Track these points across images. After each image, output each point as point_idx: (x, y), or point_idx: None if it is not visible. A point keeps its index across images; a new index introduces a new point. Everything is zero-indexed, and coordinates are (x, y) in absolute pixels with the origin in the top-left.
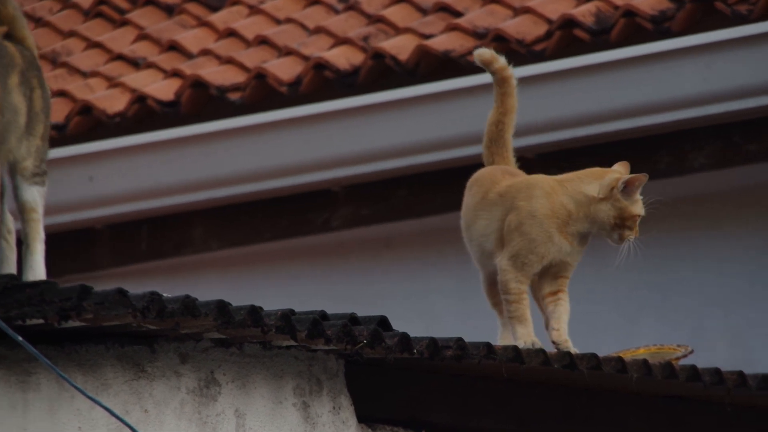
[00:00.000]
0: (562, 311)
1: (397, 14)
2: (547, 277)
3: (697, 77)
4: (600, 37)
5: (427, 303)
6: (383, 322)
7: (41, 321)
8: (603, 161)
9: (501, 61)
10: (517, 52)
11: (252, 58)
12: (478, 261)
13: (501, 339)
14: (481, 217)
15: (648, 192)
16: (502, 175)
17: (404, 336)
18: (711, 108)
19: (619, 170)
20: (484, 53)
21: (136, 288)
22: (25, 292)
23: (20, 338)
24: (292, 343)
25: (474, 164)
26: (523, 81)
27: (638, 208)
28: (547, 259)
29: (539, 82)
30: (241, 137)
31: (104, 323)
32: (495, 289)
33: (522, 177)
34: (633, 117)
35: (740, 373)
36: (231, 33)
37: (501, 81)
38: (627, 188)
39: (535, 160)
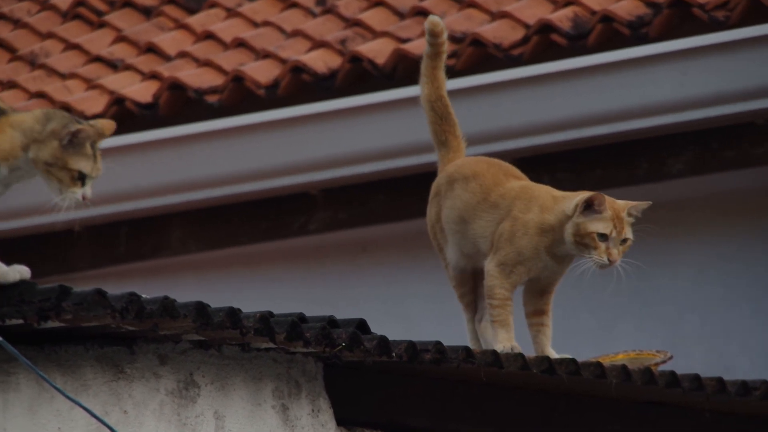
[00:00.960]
0: (545, 340)
1: (374, 18)
2: (534, 291)
3: (674, 83)
4: (577, 42)
5: (405, 307)
6: (362, 325)
7: (21, 321)
8: (581, 166)
9: (445, 35)
10: (494, 56)
11: (230, 60)
12: (466, 256)
13: (471, 333)
14: (481, 217)
15: (625, 197)
16: (504, 175)
17: (383, 339)
18: (688, 114)
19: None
20: (438, 23)
21: (114, 290)
22: (4, 292)
23: (0, 338)
24: (271, 345)
25: None
26: (500, 86)
27: (596, 226)
28: (534, 273)
29: (516, 86)
30: (219, 140)
31: (83, 324)
32: (467, 280)
33: (525, 182)
34: (610, 122)
35: (719, 380)
36: (209, 35)
37: (437, 55)
38: (587, 206)
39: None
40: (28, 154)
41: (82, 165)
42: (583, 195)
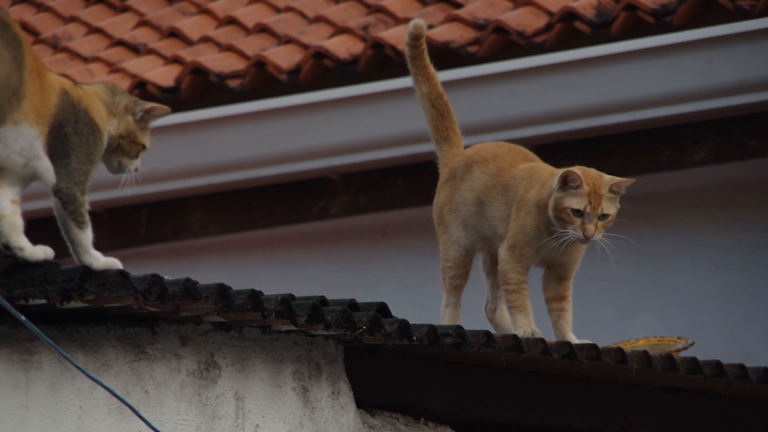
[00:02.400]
0: (565, 325)
1: (397, 4)
2: (552, 277)
3: (697, 72)
4: (600, 30)
5: (424, 291)
6: (383, 309)
7: (44, 301)
8: (602, 154)
9: (424, 37)
10: (517, 44)
11: (252, 45)
12: (483, 239)
13: (443, 316)
14: (496, 200)
15: (648, 185)
16: (523, 159)
17: (404, 323)
18: (711, 103)
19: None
20: (423, 26)
21: (134, 271)
22: (28, 273)
23: (23, 317)
24: (292, 327)
25: None
26: (523, 73)
27: (570, 201)
28: (543, 254)
29: (539, 74)
30: (240, 124)
31: (106, 305)
32: (466, 264)
33: (533, 163)
34: (633, 110)
35: (741, 366)
36: (231, 20)
37: (420, 54)
38: (564, 182)
39: (534, 152)
40: (109, 128)
41: (146, 139)
42: (568, 168)
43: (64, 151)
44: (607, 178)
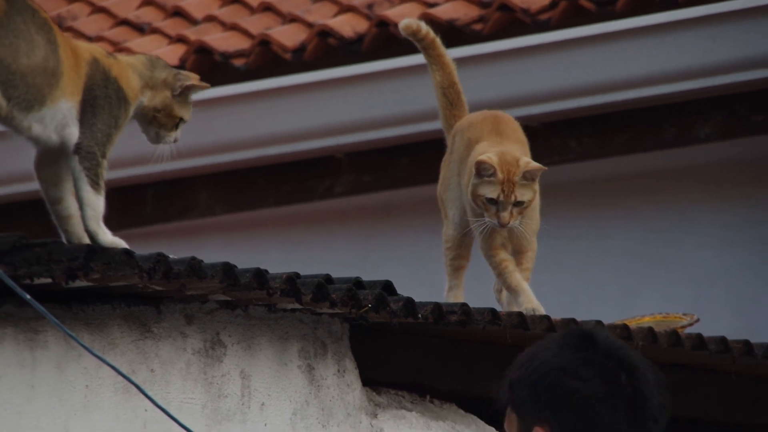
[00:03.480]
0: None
1: None
2: (513, 253)
3: (703, 48)
4: (605, 7)
5: (429, 270)
6: (388, 287)
7: (49, 280)
8: (608, 131)
9: (423, 26)
10: (522, 21)
11: (256, 24)
12: (465, 217)
13: (447, 300)
14: (465, 172)
15: (652, 162)
16: (492, 131)
17: (409, 301)
18: (716, 79)
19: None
20: (411, 24)
21: (141, 251)
22: (33, 251)
23: (28, 296)
24: (297, 306)
25: None
26: (528, 50)
27: (484, 189)
28: (495, 232)
29: (544, 51)
30: (245, 103)
31: (111, 283)
32: (461, 244)
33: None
34: (638, 87)
35: (746, 342)
36: None
37: (430, 44)
38: (478, 170)
39: (539, 130)
40: (140, 99)
41: (184, 113)
42: (480, 157)
43: (92, 112)
44: (522, 164)
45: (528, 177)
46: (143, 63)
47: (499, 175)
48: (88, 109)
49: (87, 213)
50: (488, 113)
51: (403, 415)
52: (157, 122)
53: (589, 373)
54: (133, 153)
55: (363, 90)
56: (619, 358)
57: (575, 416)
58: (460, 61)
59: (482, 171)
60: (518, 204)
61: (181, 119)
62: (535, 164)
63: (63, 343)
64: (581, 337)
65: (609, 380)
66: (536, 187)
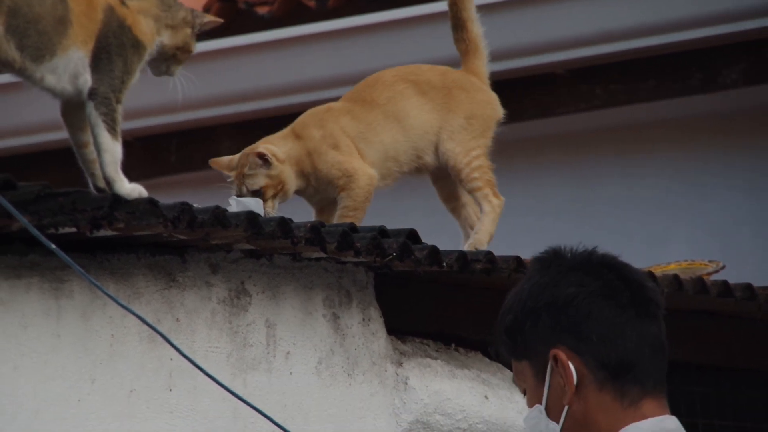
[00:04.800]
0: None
1: None
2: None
3: None
4: None
5: (453, 219)
6: (412, 235)
7: (74, 229)
8: (634, 78)
9: None
10: None
11: None
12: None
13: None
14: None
15: (679, 108)
16: (370, 86)
17: (433, 249)
18: (743, 24)
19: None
20: None
21: (165, 200)
22: (57, 201)
23: (53, 246)
24: (322, 255)
25: (514, 78)
26: None
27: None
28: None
29: None
30: (269, 52)
31: (135, 233)
32: (444, 190)
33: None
34: (664, 33)
35: None
36: None
37: None
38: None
39: (565, 77)
40: (159, 40)
41: (194, 48)
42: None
43: (107, 59)
44: (245, 151)
45: (253, 166)
46: (156, 5)
47: (232, 174)
48: (103, 56)
49: (105, 158)
50: (400, 68)
51: (428, 363)
52: (176, 59)
53: (577, 277)
54: (157, 103)
55: (387, 38)
56: (595, 259)
57: (583, 321)
58: (485, 8)
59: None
60: (256, 193)
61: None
62: (249, 149)
63: (88, 293)
64: (552, 254)
65: (598, 277)
66: (272, 171)
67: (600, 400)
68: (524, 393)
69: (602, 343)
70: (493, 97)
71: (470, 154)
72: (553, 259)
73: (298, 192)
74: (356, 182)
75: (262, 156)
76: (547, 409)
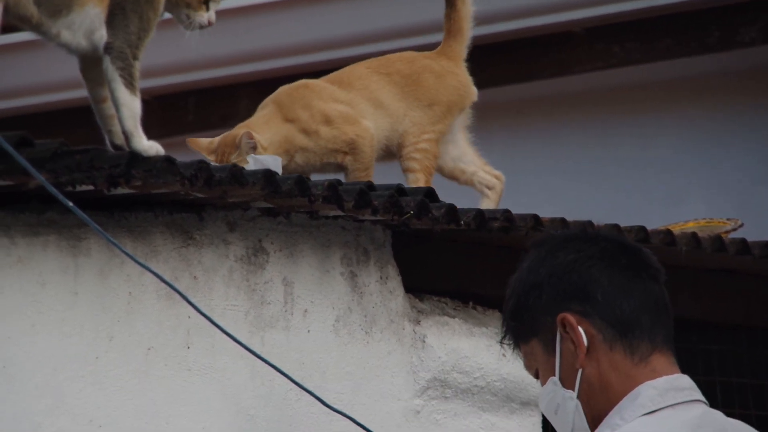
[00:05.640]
0: None
1: None
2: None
3: None
4: None
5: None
6: (430, 194)
7: (91, 187)
8: (651, 36)
9: None
10: None
11: None
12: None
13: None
14: None
15: (696, 66)
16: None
17: (451, 207)
18: None
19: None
20: None
21: (183, 158)
22: (74, 158)
23: (71, 204)
24: (339, 213)
25: (531, 36)
26: None
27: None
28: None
29: None
30: (289, 9)
31: (153, 191)
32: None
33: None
34: None
35: None
36: None
37: None
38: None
39: (582, 35)
40: None
41: None
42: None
43: (122, 14)
44: (236, 139)
45: (246, 149)
46: None
47: (212, 158)
48: (118, 12)
49: (123, 113)
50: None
51: (445, 321)
52: (192, 6)
53: (575, 245)
54: (174, 60)
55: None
56: (590, 230)
57: (586, 284)
58: None
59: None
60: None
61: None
62: (230, 134)
63: (106, 251)
64: (545, 236)
65: (595, 243)
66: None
67: (611, 359)
68: (536, 375)
69: (607, 303)
70: (464, 81)
71: (421, 137)
72: (547, 238)
73: None
74: (359, 146)
75: (251, 138)
76: (561, 380)
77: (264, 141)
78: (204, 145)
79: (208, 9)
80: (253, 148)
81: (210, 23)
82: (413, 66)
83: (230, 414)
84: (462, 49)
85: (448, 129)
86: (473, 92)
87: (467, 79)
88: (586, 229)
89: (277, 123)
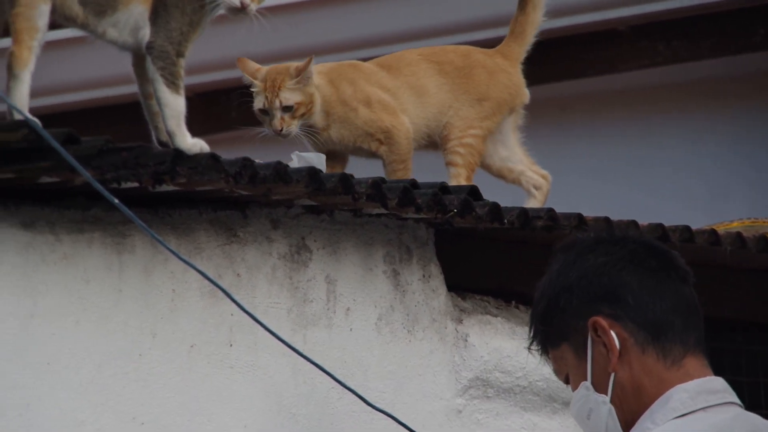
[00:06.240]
0: None
1: None
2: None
3: None
4: None
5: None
6: (474, 192)
7: (136, 184)
8: (696, 34)
9: None
10: None
11: None
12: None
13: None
14: None
15: (742, 64)
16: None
17: (495, 205)
18: None
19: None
20: None
21: (226, 155)
22: (120, 155)
23: (116, 200)
24: (383, 211)
25: (577, 34)
26: None
27: (255, 103)
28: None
29: None
30: (330, 7)
31: (197, 188)
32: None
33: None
34: None
35: None
36: None
37: None
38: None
39: (627, 33)
40: None
41: None
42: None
43: (165, 11)
44: (291, 68)
45: (298, 77)
46: None
47: (259, 84)
48: (161, 9)
49: (165, 112)
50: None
51: (488, 320)
52: None
53: (604, 248)
54: (217, 57)
55: None
56: (618, 233)
57: (617, 287)
58: None
59: (245, 81)
60: (287, 109)
61: None
62: (300, 64)
63: (150, 248)
64: (573, 239)
65: (623, 246)
66: (310, 89)
67: (643, 362)
68: (566, 381)
69: (639, 305)
70: (517, 81)
71: (467, 131)
72: (576, 242)
73: (310, 128)
74: (395, 137)
75: (305, 69)
76: (593, 384)
77: (317, 78)
78: (251, 70)
79: None
80: (306, 81)
81: (243, 5)
82: (467, 59)
83: (272, 412)
84: (521, 51)
85: (497, 127)
86: (525, 93)
87: (520, 80)
88: (612, 231)
89: (323, 84)
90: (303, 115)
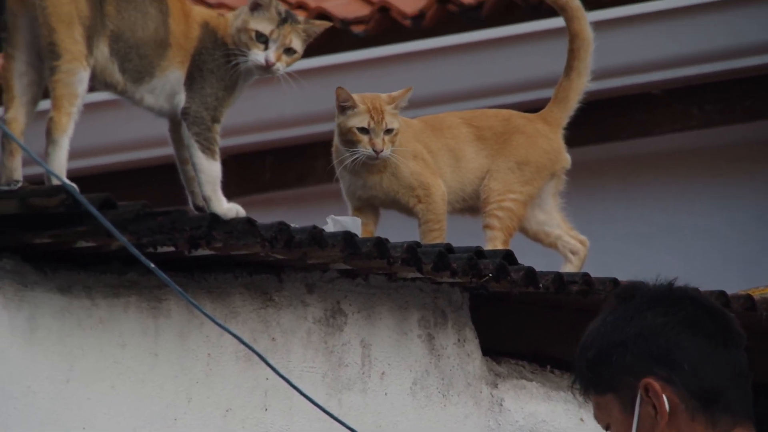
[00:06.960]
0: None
1: None
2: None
3: None
4: None
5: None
6: (509, 256)
7: (172, 249)
8: (730, 98)
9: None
10: None
11: None
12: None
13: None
14: None
15: None
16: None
17: (530, 270)
18: None
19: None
20: None
21: (259, 217)
22: (156, 220)
23: (152, 265)
24: (418, 275)
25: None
26: (648, 17)
27: (353, 121)
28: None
29: (666, 18)
30: (364, 70)
31: (233, 252)
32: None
33: None
34: (762, 54)
35: None
36: None
37: (562, 6)
38: (339, 103)
39: (661, 97)
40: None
41: (261, 26)
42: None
43: (200, 76)
44: (385, 96)
45: (398, 105)
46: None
47: (363, 105)
48: (196, 74)
49: (201, 178)
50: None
51: (523, 385)
52: (241, 41)
53: (663, 308)
54: (252, 120)
55: (483, 57)
56: (677, 291)
57: (674, 350)
58: (597, 25)
59: (341, 102)
60: (389, 132)
61: (258, 32)
62: (400, 92)
63: (185, 312)
64: (631, 289)
65: (682, 308)
66: (400, 120)
67: (692, 429)
68: (606, 428)
69: (694, 372)
70: (557, 146)
71: (507, 195)
72: (634, 293)
73: (375, 161)
74: (433, 196)
75: (404, 97)
76: None
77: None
78: (347, 96)
79: (266, 48)
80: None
81: (269, 64)
82: (507, 124)
83: None
84: (563, 117)
85: (538, 192)
86: (565, 158)
87: (560, 145)
88: (672, 288)
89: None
90: (393, 142)
